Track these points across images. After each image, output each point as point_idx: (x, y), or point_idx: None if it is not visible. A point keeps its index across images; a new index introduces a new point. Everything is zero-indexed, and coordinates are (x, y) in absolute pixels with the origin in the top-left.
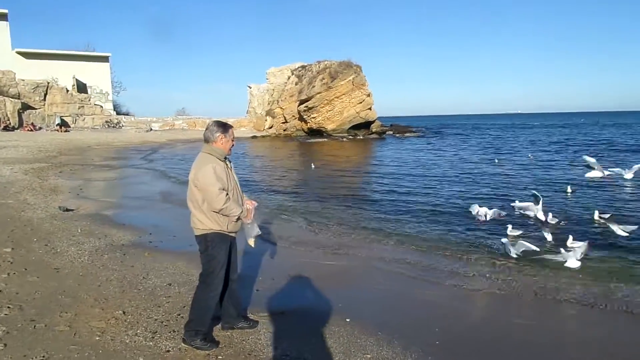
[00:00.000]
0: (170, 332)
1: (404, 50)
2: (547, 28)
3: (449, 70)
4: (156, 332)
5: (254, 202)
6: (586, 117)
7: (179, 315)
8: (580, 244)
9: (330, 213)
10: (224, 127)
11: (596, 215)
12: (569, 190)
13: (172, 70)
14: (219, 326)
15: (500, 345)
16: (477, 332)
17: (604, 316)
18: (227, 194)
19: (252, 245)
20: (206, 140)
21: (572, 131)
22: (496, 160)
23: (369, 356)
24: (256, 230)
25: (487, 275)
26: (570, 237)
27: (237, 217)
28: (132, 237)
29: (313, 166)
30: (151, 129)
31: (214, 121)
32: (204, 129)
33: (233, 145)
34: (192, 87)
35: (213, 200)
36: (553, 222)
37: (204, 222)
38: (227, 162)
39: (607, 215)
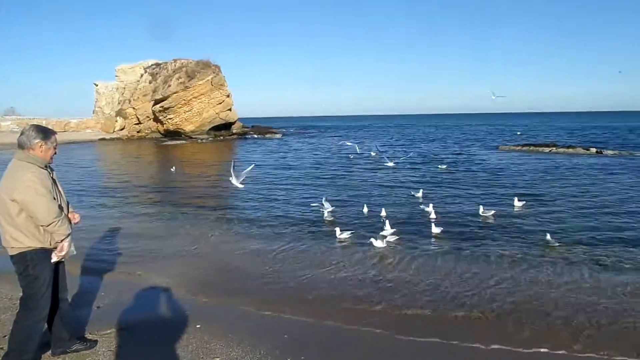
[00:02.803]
0: None
1: (262, 51)
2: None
3: (315, 73)
4: None
5: (77, 216)
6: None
7: None
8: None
9: (182, 218)
10: (45, 132)
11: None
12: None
13: None
14: (49, 353)
15: (342, 331)
16: (312, 318)
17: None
18: (60, 205)
19: (54, 260)
20: (21, 146)
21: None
22: (351, 156)
23: (218, 359)
24: (70, 250)
25: (325, 263)
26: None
27: (62, 238)
28: None
29: (173, 169)
30: None
31: (33, 125)
32: (19, 134)
33: (55, 153)
34: (23, 83)
35: (43, 212)
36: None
37: (20, 240)
38: (50, 170)
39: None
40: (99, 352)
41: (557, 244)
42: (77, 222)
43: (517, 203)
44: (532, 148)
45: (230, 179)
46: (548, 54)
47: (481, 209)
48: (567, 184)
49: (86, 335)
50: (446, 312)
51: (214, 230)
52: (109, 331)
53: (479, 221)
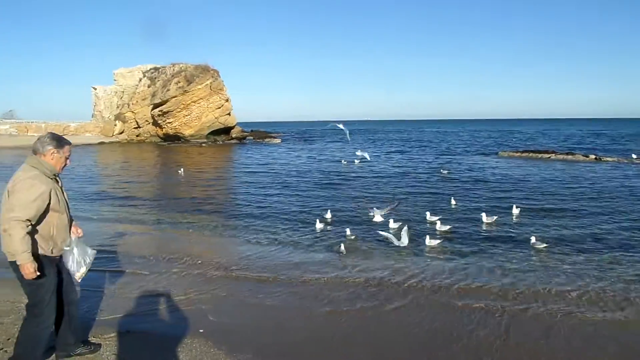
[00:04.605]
0: None
1: (262, 55)
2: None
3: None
4: None
5: (80, 231)
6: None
7: (2, 349)
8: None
9: (188, 224)
10: (59, 141)
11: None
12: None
13: None
14: (53, 356)
15: (329, 337)
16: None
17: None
18: (30, 225)
19: (78, 280)
20: (34, 151)
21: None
22: (344, 162)
23: None
24: (86, 262)
25: (322, 276)
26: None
27: (9, 249)
28: None
29: (182, 172)
30: None
31: (49, 133)
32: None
33: (67, 165)
34: (22, 86)
35: (20, 205)
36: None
37: None
38: (58, 179)
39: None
40: (103, 356)
41: (543, 246)
42: (80, 236)
43: (515, 211)
44: (531, 154)
45: (374, 215)
46: (547, 58)
47: (484, 216)
48: (566, 190)
49: (90, 339)
50: None
51: (220, 237)
52: (112, 334)
53: (481, 228)
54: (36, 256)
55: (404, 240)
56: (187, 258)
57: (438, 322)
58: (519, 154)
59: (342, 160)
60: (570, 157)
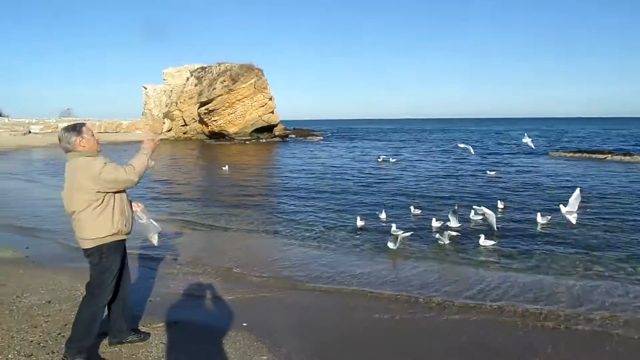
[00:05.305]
0: (48, 353)
1: (305, 56)
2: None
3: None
4: (32, 355)
5: (140, 204)
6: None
7: (60, 334)
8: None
9: (233, 218)
10: (74, 128)
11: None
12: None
13: (55, 66)
14: (105, 342)
15: (373, 342)
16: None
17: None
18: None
19: (155, 243)
20: (67, 150)
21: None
22: (379, 159)
23: (264, 358)
24: (156, 227)
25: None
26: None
27: (147, 158)
28: (5, 253)
29: (226, 169)
30: (30, 132)
31: (62, 129)
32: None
33: (99, 140)
34: (78, 85)
35: (126, 180)
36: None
37: (99, 230)
38: None
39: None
40: (152, 344)
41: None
42: (142, 208)
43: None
44: (584, 155)
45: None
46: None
47: (538, 216)
48: (628, 197)
49: (140, 328)
50: None
51: (261, 239)
52: (160, 324)
53: (535, 231)
54: (108, 244)
55: (445, 239)
56: (229, 257)
57: (493, 340)
58: (571, 154)
59: (378, 158)
60: (627, 158)
